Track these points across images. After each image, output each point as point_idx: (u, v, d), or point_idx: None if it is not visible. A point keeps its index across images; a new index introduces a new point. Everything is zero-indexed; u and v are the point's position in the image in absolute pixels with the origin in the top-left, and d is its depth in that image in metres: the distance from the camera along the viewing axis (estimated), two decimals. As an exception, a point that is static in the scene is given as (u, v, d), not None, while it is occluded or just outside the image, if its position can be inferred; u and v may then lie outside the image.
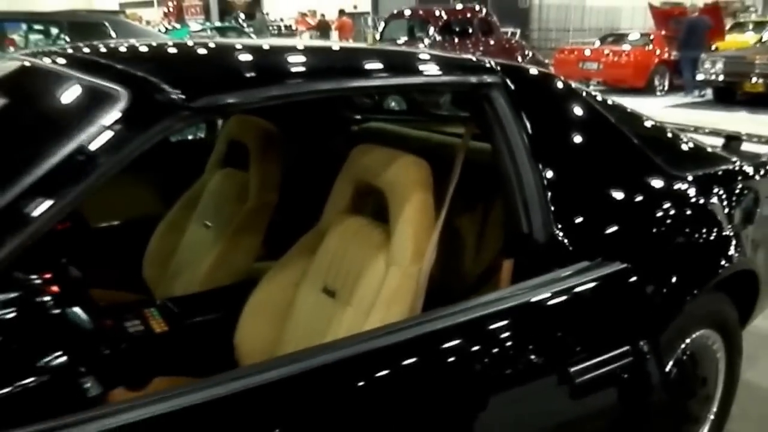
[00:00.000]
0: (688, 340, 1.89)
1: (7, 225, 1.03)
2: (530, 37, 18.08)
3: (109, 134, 1.08)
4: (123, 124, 1.10)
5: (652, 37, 13.11)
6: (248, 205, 2.21)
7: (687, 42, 11.88)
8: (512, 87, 1.63)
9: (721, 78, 10.71)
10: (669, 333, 1.70)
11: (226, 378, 1.10)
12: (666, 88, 12.48)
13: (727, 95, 10.91)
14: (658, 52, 12.61)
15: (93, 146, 1.07)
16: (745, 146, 2.55)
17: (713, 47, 12.30)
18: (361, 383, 1.23)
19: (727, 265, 1.89)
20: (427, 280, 1.62)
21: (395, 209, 1.66)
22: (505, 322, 1.39)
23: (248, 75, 1.32)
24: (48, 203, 1.05)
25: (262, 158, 2.23)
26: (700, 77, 10.96)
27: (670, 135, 2.14)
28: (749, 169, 2.19)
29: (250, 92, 1.26)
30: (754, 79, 10.36)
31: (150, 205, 2.64)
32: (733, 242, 1.94)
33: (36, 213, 1.04)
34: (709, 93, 11.51)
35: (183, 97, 1.15)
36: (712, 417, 2.09)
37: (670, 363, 1.83)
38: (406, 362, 1.28)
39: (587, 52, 12.93)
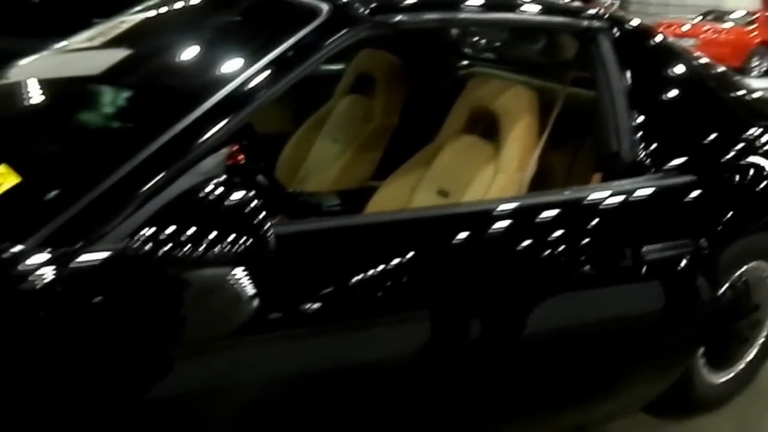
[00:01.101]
0: (744, 268, 2.19)
1: (236, 105, 1.42)
2: (628, 9, 17.76)
3: (315, 35, 1.48)
4: (325, 29, 1.50)
5: (756, 16, 12.74)
6: (373, 125, 2.61)
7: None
8: (616, 33, 1.96)
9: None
10: (728, 254, 2.01)
11: None
12: (764, 70, 12.18)
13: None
14: (758, 33, 12.29)
15: (305, 42, 1.47)
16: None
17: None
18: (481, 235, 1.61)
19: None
20: (527, 189, 2.00)
21: (505, 127, 2.03)
22: (594, 207, 1.77)
23: (413, 3, 1.70)
24: (267, 89, 1.44)
25: (387, 86, 2.62)
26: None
27: (747, 91, 2.40)
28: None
29: (413, 15, 1.65)
30: None
31: (283, 123, 3.08)
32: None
33: (258, 95, 1.43)
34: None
35: (368, 12, 1.54)
36: (761, 340, 2.40)
37: (727, 284, 2.14)
38: (519, 223, 1.66)
39: (685, 27, 12.71)
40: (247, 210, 1.18)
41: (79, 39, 2.15)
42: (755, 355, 2.41)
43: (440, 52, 3.18)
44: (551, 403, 1.83)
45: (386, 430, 1.60)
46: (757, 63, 12.19)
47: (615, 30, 1.96)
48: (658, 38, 2.16)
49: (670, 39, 2.21)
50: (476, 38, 3.20)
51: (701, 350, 2.19)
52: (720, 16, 13.46)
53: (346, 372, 1.44)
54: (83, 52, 2.03)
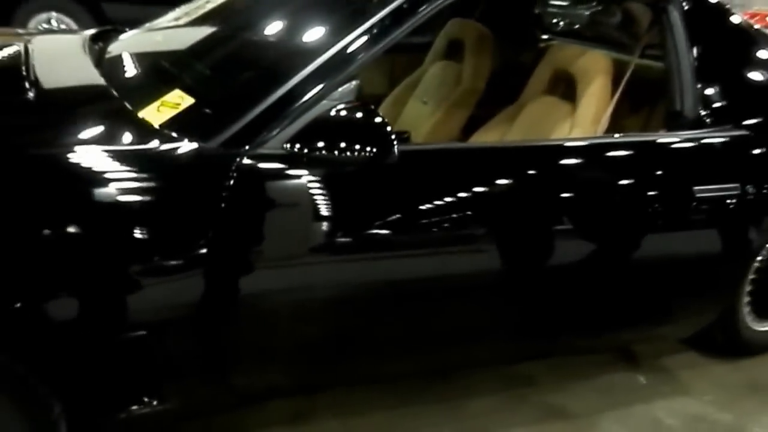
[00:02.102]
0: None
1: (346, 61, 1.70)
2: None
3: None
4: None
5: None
6: (462, 87, 2.91)
7: None
8: (686, 6, 2.20)
9: None
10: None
11: None
12: None
13: None
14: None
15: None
16: None
17: None
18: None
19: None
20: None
21: (582, 87, 2.31)
22: (660, 150, 2.10)
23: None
24: (382, 40, 1.75)
25: (477, 52, 2.91)
26: None
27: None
28: None
29: None
30: None
31: (379, 86, 3.42)
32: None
33: (375, 46, 1.73)
34: None
35: None
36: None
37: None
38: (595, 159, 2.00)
39: (770, 20, 12.37)
40: (376, 122, 1.53)
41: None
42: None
43: (525, 26, 3.45)
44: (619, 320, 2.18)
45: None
46: None
47: (684, 2, 2.20)
48: (728, 13, 2.39)
49: (737, 15, 2.42)
50: (557, 16, 3.47)
51: (747, 300, 2.43)
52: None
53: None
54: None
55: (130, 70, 2.07)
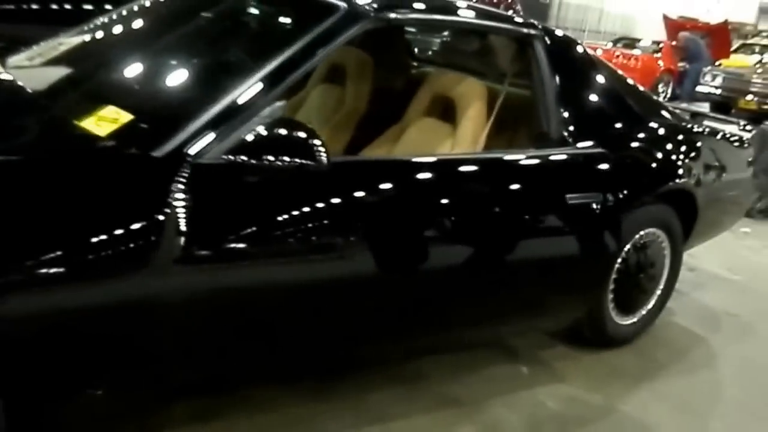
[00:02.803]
0: (643, 232, 2.79)
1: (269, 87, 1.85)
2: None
3: (335, 27, 1.95)
4: (343, 21, 1.97)
5: (661, 46, 13.97)
6: (345, 108, 3.09)
7: (695, 56, 12.77)
8: (547, 41, 2.53)
9: (718, 92, 11.56)
10: (630, 218, 2.60)
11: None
12: (668, 95, 13.37)
13: (723, 110, 11.72)
14: (664, 61, 13.49)
15: (326, 35, 1.94)
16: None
17: (717, 63, 13.19)
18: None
19: (671, 182, 2.79)
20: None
21: (461, 110, 2.56)
22: (529, 166, 2.39)
23: (409, 6, 2.22)
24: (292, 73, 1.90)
25: (358, 76, 3.11)
26: (700, 89, 11.79)
27: (645, 95, 3.04)
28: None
29: (406, 14, 2.16)
30: (749, 97, 11.22)
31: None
32: (678, 169, 2.84)
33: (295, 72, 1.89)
34: (705, 107, 12.36)
35: (375, 8, 2.04)
36: (657, 293, 3.03)
37: (630, 242, 2.74)
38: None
39: (599, 52, 13.80)
40: (308, 135, 1.68)
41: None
42: (653, 305, 3.04)
43: (397, 53, 3.70)
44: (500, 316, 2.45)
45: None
46: (662, 89, 13.37)
47: (546, 38, 2.53)
48: (579, 47, 2.75)
49: (587, 49, 2.81)
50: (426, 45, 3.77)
51: (611, 297, 2.78)
52: (630, 43, 14.67)
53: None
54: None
55: (55, 84, 2.08)
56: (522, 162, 2.37)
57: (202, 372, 1.82)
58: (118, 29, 2.45)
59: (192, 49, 2.20)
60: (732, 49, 14.72)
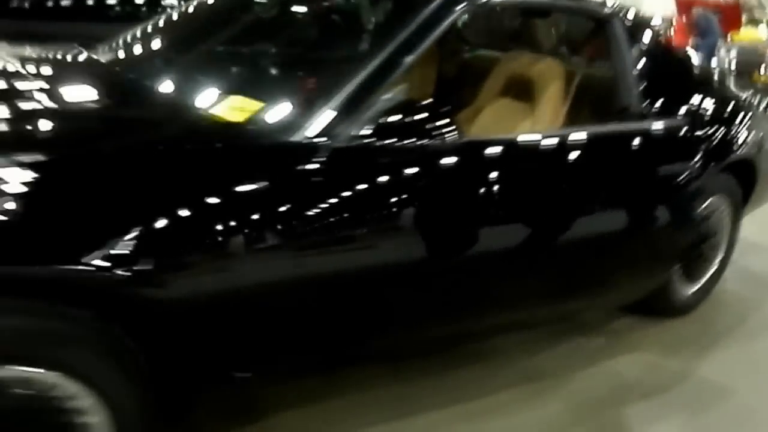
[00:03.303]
0: (709, 200, 2.89)
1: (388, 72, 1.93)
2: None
3: (441, 9, 2.04)
4: (448, 4, 2.06)
5: (673, 22, 13.95)
6: (413, 94, 3.17)
7: (707, 31, 12.80)
8: (625, 20, 2.62)
9: (733, 66, 11.62)
10: (700, 185, 2.69)
11: None
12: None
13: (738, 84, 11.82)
14: (677, 37, 13.48)
15: (434, 18, 2.02)
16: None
17: (729, 38, 13.21)
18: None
19: (737, 152, 2.89)
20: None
21: (540, 90, 2.64)
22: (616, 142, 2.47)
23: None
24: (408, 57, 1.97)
25: (425, 62, 3.19)
26: (713, 64, 11.86)
27: (707, 70, 3.12)
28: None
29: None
30: (762, 70, 11.28)
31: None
32: (743, 139, 2.94)
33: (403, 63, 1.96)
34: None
35: None
36: (718, 261, 3.14)
37: (698, 210, 2.83)
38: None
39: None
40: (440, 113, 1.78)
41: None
42: (714, 273, 3.15)
43: (452, 38, 3.78)
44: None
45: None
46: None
47: (624, 17, 2.62)
48: (651, 26, 2.84)
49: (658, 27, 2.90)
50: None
51: (678, 265, 2.88)
52: (642, 21, 14.65)
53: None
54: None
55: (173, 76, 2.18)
56: (610, 136, 2.47)
57: (332, 350, 1.92)
58: (219, 18, 2.54)
59: (303, 37, 2.29)
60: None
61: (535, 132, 2.51)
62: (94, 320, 1.40)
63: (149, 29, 2.66)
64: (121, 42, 2.62)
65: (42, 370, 1.35)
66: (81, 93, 2.02)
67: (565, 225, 2.26)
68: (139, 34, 2.64)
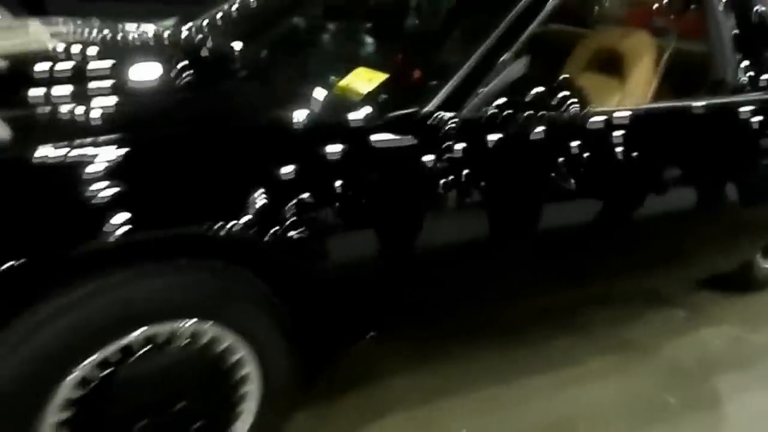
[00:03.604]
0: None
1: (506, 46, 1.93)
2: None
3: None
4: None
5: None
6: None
7: None
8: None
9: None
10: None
11: None
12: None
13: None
14: None
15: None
16: None
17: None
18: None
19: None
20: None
21: (630, 64, 2.65)
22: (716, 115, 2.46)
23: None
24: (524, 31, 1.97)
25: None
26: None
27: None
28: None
29: None
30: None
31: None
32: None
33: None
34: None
35: None
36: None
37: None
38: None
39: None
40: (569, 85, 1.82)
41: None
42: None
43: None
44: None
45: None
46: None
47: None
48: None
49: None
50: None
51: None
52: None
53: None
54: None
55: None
56: (709, 109, 2.45)
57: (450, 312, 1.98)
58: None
59: (416, 13, 2.32)
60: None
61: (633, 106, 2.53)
62: (252, 279, 1.47)
63: (248, 4, 2.70)
64: (218, 18, 2.66)
65: (209, 323, 1.43)
66: (214, 70, 2.06)
67: (668, 196, 2.28)
68: (236, 9, 2.68)
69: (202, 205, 1.36)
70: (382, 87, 1.82)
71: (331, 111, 1.77)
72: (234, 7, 2.76)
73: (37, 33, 2.31)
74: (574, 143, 1.96)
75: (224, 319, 1.44)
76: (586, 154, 1.99)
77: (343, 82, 1.86)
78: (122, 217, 1.26)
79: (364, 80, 1.83)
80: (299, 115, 1.69)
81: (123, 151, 1.36)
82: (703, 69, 2.60)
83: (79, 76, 1.80)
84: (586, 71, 2.85)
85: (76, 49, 2.14)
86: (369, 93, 1.80)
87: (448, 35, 2.23)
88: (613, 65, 2.77)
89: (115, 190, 1.29)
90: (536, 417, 2.14)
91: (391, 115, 1.72)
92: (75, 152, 1.33)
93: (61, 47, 2.13)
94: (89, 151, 1.34)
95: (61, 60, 1.97)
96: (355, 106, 1.74)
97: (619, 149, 2.10)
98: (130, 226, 1.25)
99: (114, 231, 1.24)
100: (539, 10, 1.96)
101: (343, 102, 1.80)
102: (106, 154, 1.34)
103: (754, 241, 2.74)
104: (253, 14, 2.61)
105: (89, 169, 1.31)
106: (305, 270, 1.50)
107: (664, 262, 2.55)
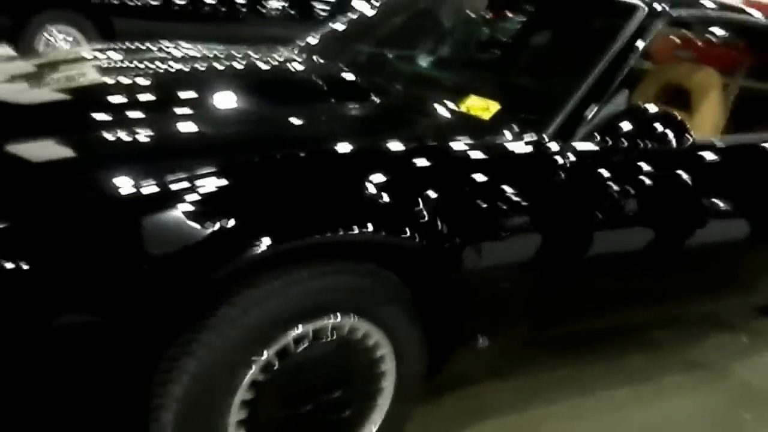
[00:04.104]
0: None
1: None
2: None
3: (643, 25, 2.22)
4: (648, 20, 2.24)
5: None
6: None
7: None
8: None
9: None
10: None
11: None
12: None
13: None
14: None
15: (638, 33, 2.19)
16: None
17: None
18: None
19: None
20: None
21: (698, 99, 2.81)
22: None
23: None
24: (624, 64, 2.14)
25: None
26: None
27: None
28: None
29: (692, 12, 2.45)
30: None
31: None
32: None
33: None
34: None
35: (667, 9, 2.30)
36: None
37: None
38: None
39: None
40: (671, 115, 1.98)
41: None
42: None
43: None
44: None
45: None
46: None
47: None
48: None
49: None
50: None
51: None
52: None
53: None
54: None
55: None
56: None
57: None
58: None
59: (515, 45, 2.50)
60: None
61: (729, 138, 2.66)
62: (397, 281, 1.62)
63: (356, 28, 2.92)
64: (325, 42, 2.88)
65: (362, 320, 1.57)
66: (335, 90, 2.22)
67: (741, 225, 2.44)
68: (343, 33, 2.90)
69: (366, 215, 1.52)
70: (499, 113, 1.99)
71: (465, 130, 1.92)
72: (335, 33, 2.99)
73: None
74: (679, 172, 2.14)
75: (375, 317, 1.58)
76: (685, 182, 2.17)
77: (463, 107, 2.04)
78: (307, 223, 1.44)
79: (481, 107, 2.00)
80: (443, 134, 1.88)
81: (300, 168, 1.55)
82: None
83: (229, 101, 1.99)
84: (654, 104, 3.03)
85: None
86: (492, 117, 1.98)
87: (554, 66, 2.40)
88: (680, 100, 2.94)
89: (304, 200, 1.48)
90: (620, 426, 2.27)
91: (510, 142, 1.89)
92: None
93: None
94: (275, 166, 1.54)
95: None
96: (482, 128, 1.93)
97: (709, 179, 2.28)
98: (312, 233, 1.43)
99: (303, 234, 1.42)
100: (637, 46, 2.14)
101: (473, 123, 1.98)
102: (280, 173, 1.52)
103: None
104: (357, 37, 2.84)
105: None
106: (444, 274, 1.66)
107: (730, 287, 2.69)
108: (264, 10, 6.76)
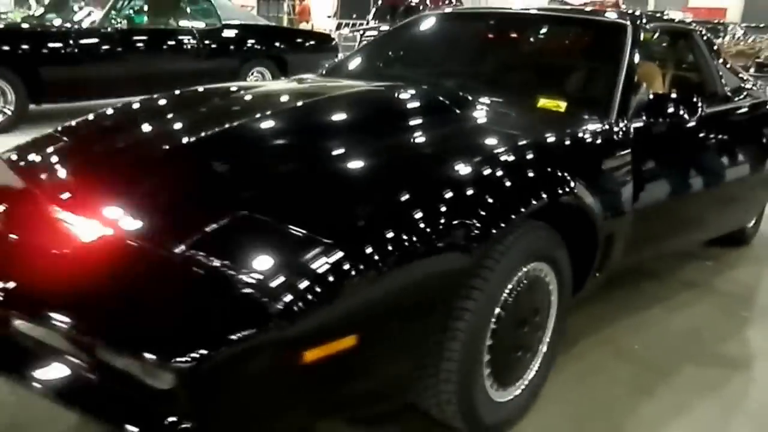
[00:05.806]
0: None
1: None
2: None
3: (636, 39, 3.00)
4: (635, 34, 3.02)
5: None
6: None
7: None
8: (699, 33, 3.71)
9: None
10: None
11: None
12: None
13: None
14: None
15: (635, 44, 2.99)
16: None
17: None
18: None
19: None
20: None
21: (649, 86, 3.67)
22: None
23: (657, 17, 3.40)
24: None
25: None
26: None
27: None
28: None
29: (653, 25, 3.30)
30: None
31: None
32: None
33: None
34: None
35: (643, 22, 3.13)
36: None
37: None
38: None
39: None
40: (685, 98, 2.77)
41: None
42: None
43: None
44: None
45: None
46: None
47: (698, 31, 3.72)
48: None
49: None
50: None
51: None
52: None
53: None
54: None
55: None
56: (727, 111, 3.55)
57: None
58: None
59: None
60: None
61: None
62: (555, 233, 2.23)
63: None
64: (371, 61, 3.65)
65: (541, 263, 2.19)
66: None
67: (719, 174, 3.33)
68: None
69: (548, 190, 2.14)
70: (569, 107, 2.71)
71: (552, 122, 2.61)
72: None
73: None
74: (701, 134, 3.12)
75: (550, 260, 2.22)
76: (704, 139, 3.19)
77: (540, 105, 2.75)
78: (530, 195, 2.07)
79: (553, 104, 2.71)
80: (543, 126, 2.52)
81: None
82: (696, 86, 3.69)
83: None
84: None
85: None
86: (566, 109, 2.70)
87: (587, 72, 3.20)
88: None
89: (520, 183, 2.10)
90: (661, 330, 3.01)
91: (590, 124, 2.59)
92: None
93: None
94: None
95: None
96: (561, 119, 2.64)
97: (716, 135, 3.30)
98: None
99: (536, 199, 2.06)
100: (638, 50, 2.95)
101: (556, 116, 2.69)
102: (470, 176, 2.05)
103: (747, 211, 3.86)
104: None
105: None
106: (591, 226, 2.35)
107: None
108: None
